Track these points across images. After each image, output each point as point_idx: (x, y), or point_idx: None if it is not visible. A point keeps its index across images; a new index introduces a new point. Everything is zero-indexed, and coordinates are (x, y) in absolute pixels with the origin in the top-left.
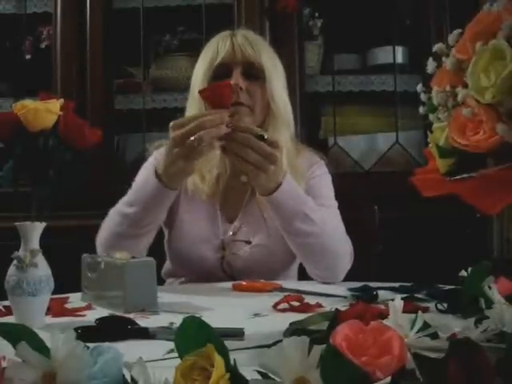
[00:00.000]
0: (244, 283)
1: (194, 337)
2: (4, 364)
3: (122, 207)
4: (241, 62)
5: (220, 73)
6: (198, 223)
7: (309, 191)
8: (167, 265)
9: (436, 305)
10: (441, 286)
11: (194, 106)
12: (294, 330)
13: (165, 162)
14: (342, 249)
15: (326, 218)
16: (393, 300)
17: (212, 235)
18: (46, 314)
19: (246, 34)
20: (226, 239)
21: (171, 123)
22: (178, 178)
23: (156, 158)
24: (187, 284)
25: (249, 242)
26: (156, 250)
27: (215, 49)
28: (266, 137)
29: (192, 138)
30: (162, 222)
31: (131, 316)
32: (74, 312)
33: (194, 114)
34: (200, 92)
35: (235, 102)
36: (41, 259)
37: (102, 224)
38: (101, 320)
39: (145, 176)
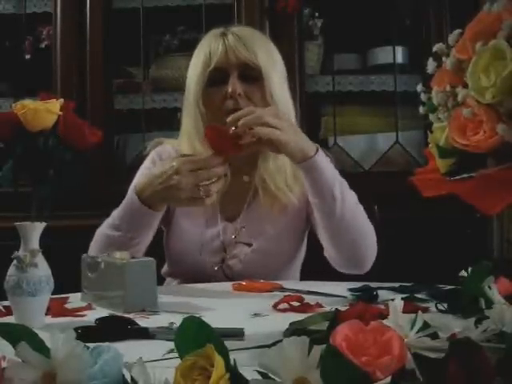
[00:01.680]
0: (244, 283)
1: (194, 337)
2: (4, 364)
3: (107, 230)
4: (236, 65)
5: (215, 78)
6: (196, 226)
7: None
8: (166, 265)
9: (436, 305)
10: (441, 286)
11: (189, 110)
12: (294, 329)
13: (154, 189)
14: (370, 228)
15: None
16: (393, 300)
17: (212, 238)
18: (46, 314)
19: (238, 32)
20: (227, 241)
21: (179, 163)
22: (167, 204)
23: (153, 158)
24: (187, 284)
25: (250, 245)
26: (156, 250)
27: (207, 52)
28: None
29: (202, 192)
30: (149, 241)
31: (131, 316)
32: (73, 312)
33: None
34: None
35: (235, 108)
36: (41, 259)
37: (90, 245)
38: (101, 320)
39: (129, 196)
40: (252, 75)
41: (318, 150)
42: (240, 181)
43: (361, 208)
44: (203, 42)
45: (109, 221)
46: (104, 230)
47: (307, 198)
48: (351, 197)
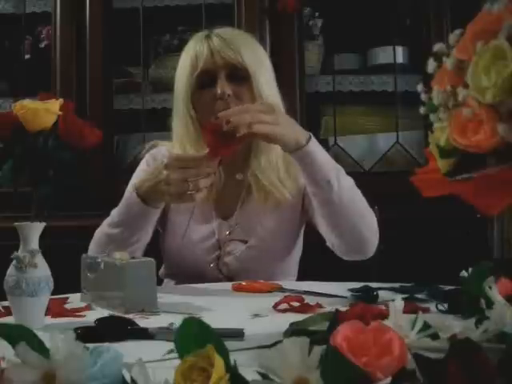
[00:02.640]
0: (244, 284)
1: (194, 337)
2: (3, 365)
3: (106, 228)
4: (222, 67)
5: (203, 80)
6: (191, 223)
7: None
8: (163, 266)
9: (436, 305)
10: (441, 286)
11: (179, 115)
12: (294, 330)
13: (148, 185)
14: (370, 212)
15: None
16: (393, 300)
17: (207, 235)
18: (46, 314)
19: (222, 33)
20: (222, 238)
21: (169, 158)
22: (160, 200)
23: (148, 161)
24: (187, 284)
25: (245, 242)
26: (156, 250)
27: (193, 55)
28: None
29: (191, 187)
30: (148, 239)
31: (131, 316)
32: (73, 312)
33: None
34: (206, 126)
35: (226, 109)
36: (40, 259)
37: (90, 245)
38: (100, 320)
39: (127, 195)
40: (239, 75)
41: (310, 137)
42: (233, 179)
43: (358, 192)
44: (188, 45)
45: (108, 219)
46: (103, 228)
47: (302, 192)
48: (348, 181)
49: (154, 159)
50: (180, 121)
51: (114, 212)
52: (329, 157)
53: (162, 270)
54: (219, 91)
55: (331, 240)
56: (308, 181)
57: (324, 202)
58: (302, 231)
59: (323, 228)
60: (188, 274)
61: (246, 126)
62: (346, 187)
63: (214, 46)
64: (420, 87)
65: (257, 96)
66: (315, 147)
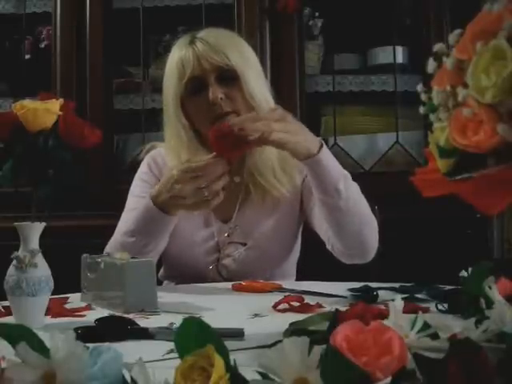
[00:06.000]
0: (244, 283)
1: (194, 337)
2: (3, 364)
3: (122, 237)
4: (211, 71)
5: (193, 87)
6: (191, 226)
7: (307, 185)
8: (163, 268)
9: (436, 305)
10: (441, 286)
11: (171, 123)
12: (294, 330)
13: (163, 198)
14: (373, 218)
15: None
16: (393, 300)
17: (206, 237)
18: (46, 314)
19: (205, 37)
20: (221, 241)
21: (178, 172)
22: (177, 209)
23: (148, 163)
24: (187, 284)
25: (244, 244)
26: None
27: (179, 63)
28: None
29: (206, 194)
30: (164, 246)
31: (131, 316)
32: (73, 312)
33: (200, 164)
34: (214, 131)
35: (221, 113)
36: (40, 259)
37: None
38: (100, 320)
39: (143, 204)
40: (229, 76)
41: (322, 145)
42: (231, 182)
43: (363, 198)
44: (173, 52)
45: (122, 228)
46: (118, 237)
47: (299, 191)
48: (354, 188)
49: (154, 161)
50: (172, 130)
51: (129, 220)
52: (337, 163)
53: (161, 272)
54: (211, 97)
55: (333, 244)
56: (316, 187)
57: (331, 209)
58: (300, 232)
59: (326, 232)
60: (187, 276)
61: (258, 134)
62: (352, 195)
63: (200, 52)
64: (420, 87)
65: (247, 94)
66: (326, 156)
